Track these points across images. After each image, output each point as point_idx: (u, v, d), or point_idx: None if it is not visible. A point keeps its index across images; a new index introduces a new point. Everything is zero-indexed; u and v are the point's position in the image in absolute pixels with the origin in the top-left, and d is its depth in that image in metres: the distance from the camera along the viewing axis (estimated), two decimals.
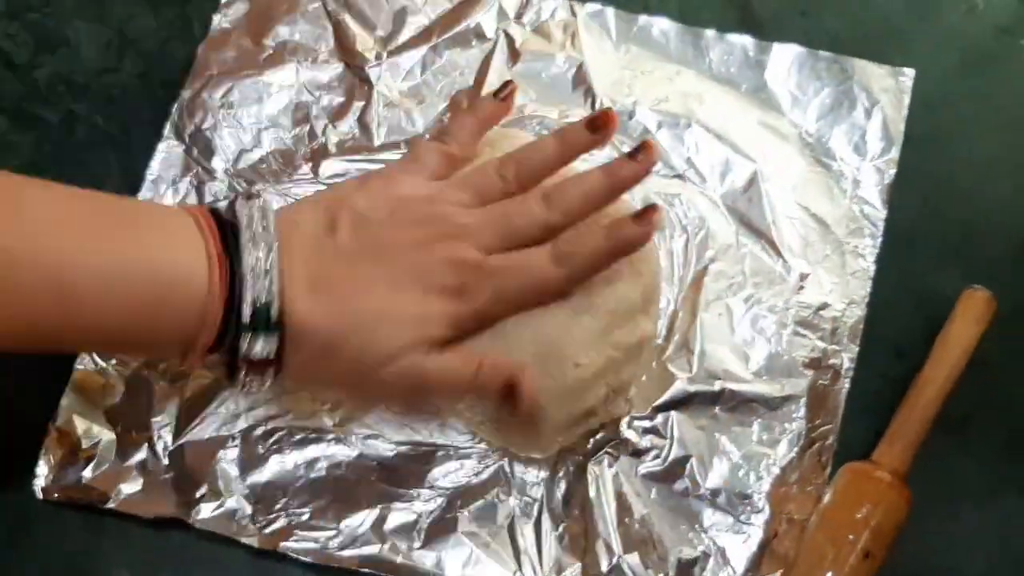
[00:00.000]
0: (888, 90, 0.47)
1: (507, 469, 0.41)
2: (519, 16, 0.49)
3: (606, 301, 0.38)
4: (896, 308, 0.44)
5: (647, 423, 0.42)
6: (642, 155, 0.39)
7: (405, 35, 0.49)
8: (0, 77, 0.50)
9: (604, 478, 0.41)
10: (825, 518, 0.40)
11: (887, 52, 0.49)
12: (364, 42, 0.49)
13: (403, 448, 0.42)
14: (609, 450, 0.41)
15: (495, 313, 0.38)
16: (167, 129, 0.48)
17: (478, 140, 0.41)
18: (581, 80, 0.48)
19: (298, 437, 0.42)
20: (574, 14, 0.49)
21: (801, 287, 0.44)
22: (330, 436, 0.42)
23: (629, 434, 0.42)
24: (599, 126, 0.39)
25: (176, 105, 0.48)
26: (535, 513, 0.41)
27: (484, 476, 0.41)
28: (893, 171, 0.46)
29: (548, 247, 0.38)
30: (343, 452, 0.42)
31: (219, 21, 0.50)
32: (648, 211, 0.38)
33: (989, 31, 0.50)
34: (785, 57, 0.48)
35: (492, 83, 0.48)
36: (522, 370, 0.37)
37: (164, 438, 0.42)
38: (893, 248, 0.45)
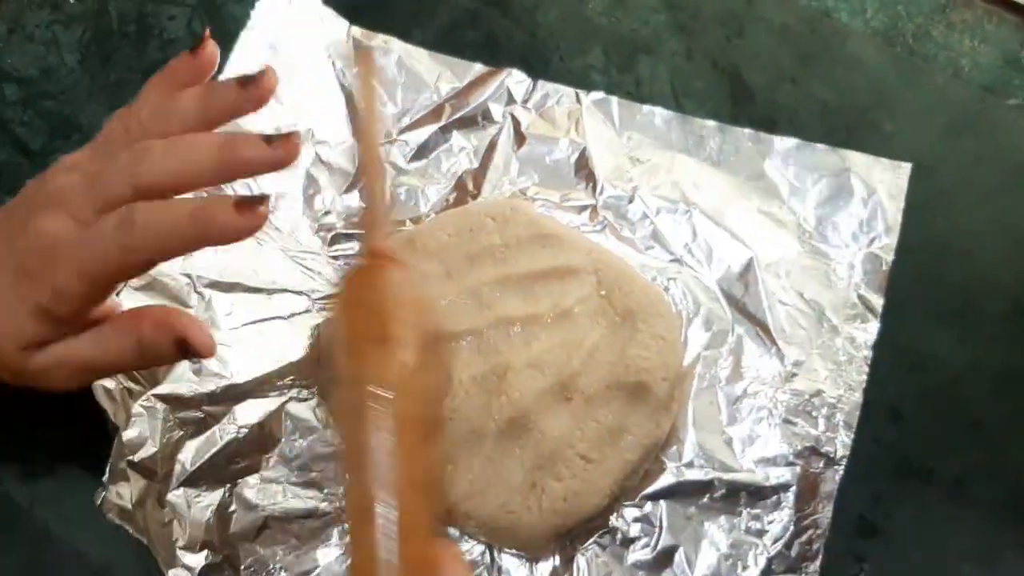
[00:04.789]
0: (885, 182, 0.48)
1: (490, 556, 0.41)
2: (526, 101, 0.50)
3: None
4: (891, 369, 0.45)
5: (636, 511, 0.42)
6: (255, 84, 0.34)
7: (415, 113, 0.50)
8: (16, 163, 0.50)
9: (592, 567, 0.41)
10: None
11: (876, 117, 0.50)
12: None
13: None
14: (597, 538, 0.42)
15: (79, 293, 0.33)
16: None
17: (167, 100, 0.35)
18: (583, 165, 0.49)
19: (292, 496, 0.42)
20: (579, 101, 0.50)
21: (794, 374, 0.44)
22: (324, 494, 0.42)
23: (618, 523, 0.42)
24: (250, 83, 0.34)
25: None
26: None
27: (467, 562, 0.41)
28: (891, 258, 0.47)
29: (118, 213, 0.33)
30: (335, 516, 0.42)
31: None
32: (254, 202, 0.32)
33: (975, 92, 0.51)
34: (783, 149, 0.49)
35: (497, 165, 0.49)
36: (188, 323, 0.34)
37: (158, 486, 0.42)
38: (888, 310, 0.45)
